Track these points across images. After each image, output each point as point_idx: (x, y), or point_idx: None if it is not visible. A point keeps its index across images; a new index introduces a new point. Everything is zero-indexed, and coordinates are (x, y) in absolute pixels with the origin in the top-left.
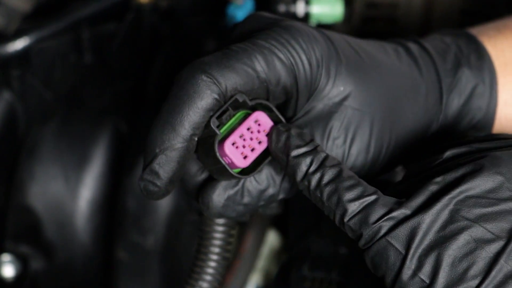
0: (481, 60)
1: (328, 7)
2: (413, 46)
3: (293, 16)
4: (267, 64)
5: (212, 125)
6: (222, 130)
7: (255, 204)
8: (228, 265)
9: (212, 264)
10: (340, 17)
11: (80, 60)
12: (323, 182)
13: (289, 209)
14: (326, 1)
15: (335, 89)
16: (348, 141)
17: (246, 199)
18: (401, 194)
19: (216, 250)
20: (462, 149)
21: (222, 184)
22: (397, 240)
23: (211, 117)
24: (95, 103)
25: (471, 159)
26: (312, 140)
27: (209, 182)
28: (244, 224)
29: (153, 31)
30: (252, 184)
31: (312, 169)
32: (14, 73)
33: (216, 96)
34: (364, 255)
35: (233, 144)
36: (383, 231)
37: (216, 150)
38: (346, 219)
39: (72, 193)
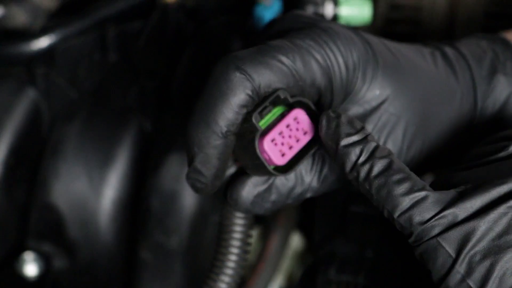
0: None
1: (356, 9)
2: (449, 51)
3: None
4: (304, 64)
5: (254, 121)
6: (261, 125)
7: (283, 202)
8: (252, 267)
9: (233, 257)
10: (368, 19)
11: (105, 58)
12: (373, 174)
13: (315, 211)
14: (355, 3)
15: (370, 92)
16: (381, 144)
17: (274, 197)
18: (454, 186)
19: (237, 243)
20: None
21: (252, 180)
22: (449, 242)
23: (250, 112)
24: (119, 102)
25: None
26: (363, 128)
27: (239, 177)
28: (269, 226)
29: (178, 30)
30: (282, 181)
31: (361, 159)
32: (39, 71)
33: (249, 92)
34: (413, 249)
35: (272, 140)
36: (435, 232)
37: (256, 146)
38: (396, 215)
39: (96, 192)
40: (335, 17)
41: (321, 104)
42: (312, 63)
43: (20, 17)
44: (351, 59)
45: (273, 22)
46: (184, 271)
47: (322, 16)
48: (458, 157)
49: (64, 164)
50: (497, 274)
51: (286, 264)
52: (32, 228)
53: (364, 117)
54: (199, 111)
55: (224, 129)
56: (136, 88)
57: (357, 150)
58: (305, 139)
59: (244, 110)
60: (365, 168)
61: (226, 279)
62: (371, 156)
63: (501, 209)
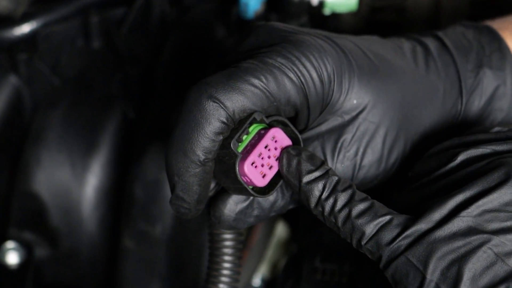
0: (503, 60)
1: None
2: (432, 45)
3: (308, 5)
4: (277, 84)
5: (232, 148)
6: (239, 149)
7: (266, 216)
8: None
9: (227, 265)
10: (354, 7)
11: (88, 45)
12: (337, 208)
13: None
14: None
15: (348, 102)
16: (360, 153)
17: (256, 212)
18: (413, 206)
19: (229, 251)
20: (477, 152)
21: (233, 198)
22: (416, 256)
23: (228, 137)
24: (103, 89)
25: (486, 167)
26: (323, 163)
27: (220, 196)
28: None
29: (162, 17)
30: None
31: (325, 195)
32: (20, 58)
33: (224, 119)
34: (384, 273)
35: (252, 163)
36: (401, 249)
37: (237, 172)
38: (363, 243)
39: (79, 180)
40: (321, 4)
41: (299, 119)
42: (285, 82)
43: (1, 2)
44: (326, 72)
45: (246, 33)
46: (167, 260)
47: (308, 4)
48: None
49: (46, 151)
50: (467, 278)
51: (270, 253)
52: (14, 216)
53: (342, 127)
54: (176, 141)
55: (202, 157)
56: (120, 75)
57: (320, 185)
58: (278, 165)
59: (220, 137)
60: (329, 202)
61: (224, 287)
62: (334, 190)
63: (461, 215)
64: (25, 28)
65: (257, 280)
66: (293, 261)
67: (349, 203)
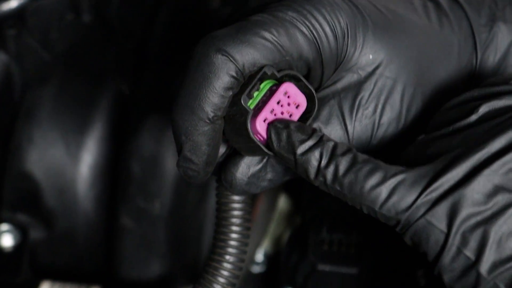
0: None
1: None
2: (443, 0)
3: None
4: (289, 38)
5: (243, 103)
6: (250, 105)
7: (280, 179)
8: None
9: (235, 236)
10: None
11: (79, 19)
12: (340, 174)
13: None
14: None
15: (363, 57)
16: (378, 110)
17: (270, 175)
18: (429, 160)
19: (238, 221)
20: (499, 104)
21: (245, 161)
22: (438, 218)
23: (238, 93)
24: (95, 64)
25: (510, 121)
26: (314, 131)
27: (231, 159)
28: None
29: None
30: (277, 158)
31: (324, 162)
32: (9, 33)
33: (233, 74)
34: (402, 236)
35: (264, 120)
36: (421, 212)
37: (249, 129)
38: (377, 208)
39: (73, 158)
40: None
41: (312, 76)
42: (297, 35)
43: None
44: (339, 26)
45: None
46: (167, 237)
47: None
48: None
49: (38, 129)
50: (493, 240)
51: (272, 227)
52: (7, 198)
53: (359, 84)
54: (183, 98)
55: (211, 114)
56: (113, 49)
57: (316, 154)
58: (298, 113)
59: (230, 93)
60: (330, 169)
61: (231, 259)
62: (333, 156)
63: (485, 174)
64: (13, 3)
65: (259, 256)
66: (297, 234)
67: (353, 166)
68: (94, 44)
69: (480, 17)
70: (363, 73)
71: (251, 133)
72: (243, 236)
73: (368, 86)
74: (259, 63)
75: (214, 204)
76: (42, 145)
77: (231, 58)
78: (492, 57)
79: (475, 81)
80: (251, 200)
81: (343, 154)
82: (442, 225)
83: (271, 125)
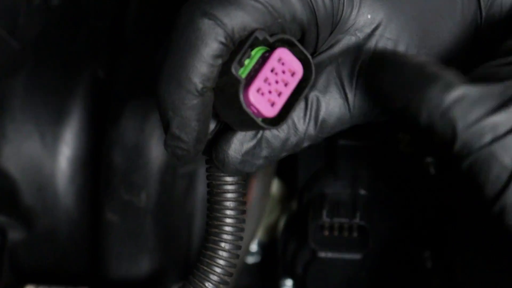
0: None
1: None
2: None
3: None
4: None
5: (234, 72)
6: (242, 74)
7: (276, 156)
8: None
9: (230, 221)
10: None
11: (47, 2)
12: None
13: None
14: None
15: (361, 17)
16: None
17: (266, 151)
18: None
19: (232, 204)
20: None
21: (238, 137)
22: (506, 151)
23: (227, 61)
24: (67, 49)
25: None
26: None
27: (223, 135)
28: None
29: None
30: (272, 134)
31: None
32: None
33: (222, 39)
34: (457, 162)
35: (258, 90)
36: (486, 139)
37: (241, 101)
38: (435, 117)
39: (50, 151)
40: None
41: (306, 40)
42: None
43: None
44: None
45: None
46: (155, 230)
47: None
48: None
49: (11, 123)
50: None
51: (266, 214)
52: None
53: (357, 47)
54: (168, 69)
55: (199, 85)
56: (85, 31)
57: None
58: (294, 81)
59: (220, 61)
60: None
61: (226, 246)
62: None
63: None
64: None
65: (253, 246)
66: (294, 220)
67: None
68: (65, 28)
69: None
70: (361, 35)
71: (243, 105)
72: (238, 220)
73: (368, 49)
74: (250, 26)
75: (203, 192)
76: (16, 140)
77: (219, 22)
78: (497, 14)
79: (480, 41)
80: (244, 182)
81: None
82: (510, 160)
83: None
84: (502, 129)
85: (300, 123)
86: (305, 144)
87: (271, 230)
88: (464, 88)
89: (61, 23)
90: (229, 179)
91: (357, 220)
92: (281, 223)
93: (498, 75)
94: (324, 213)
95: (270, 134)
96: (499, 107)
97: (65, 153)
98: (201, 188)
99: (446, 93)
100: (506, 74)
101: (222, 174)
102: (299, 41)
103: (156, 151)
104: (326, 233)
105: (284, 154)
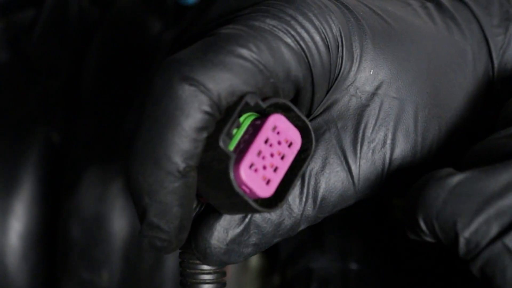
0: None
1: None
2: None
3: None
4: (272, 54)
5: (222, 146)
6: (230, 147)
7: (267, 243)
8: None
9: None
10: None
11: None
12: None
13: None
14: None
15: (362, 74)
16: (388, 141)
17: (255, 238)
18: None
19: None
20: None
21: (222, 223)
22: None
23: (214, 133)
24: (17, 111)
25: None
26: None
27: (204, 220)
28: None
29: (81, 16)
30: (263, 216)
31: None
32: None
33: (207, 109)
34: (467, 265)
35: (250, 166)
36: (493, 232)
37: (232, 180)
38: (433, 216)
39: None
40: None
41: (300, 101)
42: (282, 49)
43: None
44: (331, 34)
45: None
46: None
47: None
48: (479, 131)
49: None
50: None
51: None
52: None
53: (359, 108)
54: (142, 146)
55: (182, 165)
56: (36, 91)
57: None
58: (292, 153)
59: (205, 134)
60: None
61: None
62: None
63: None
64: None
65: None
66: None
67: None
68: (14, 87)
69: (491, 16)
70: (363, 95)
71: (235, 185)
72: None
73: (372, 111)
74: (239, 90)
75: (172, 266)
76: None
77: (202, 88)
78: (510, 63)
79: (494, 94)
80: (224, 272)
81: None
82: None
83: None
84: (509, 215)
85: (296, 203)
86: (302, 226)
87: None
88: (458, 177)
89: (10, 82)
90: (206, 268)
91: None
92: None
93: (503, 151)
94: None
95: (260, 217)
96: (500, 195)
97: (15, 228)
98: (170, 262)
99: (440, 188)
100: (507, 149)
101: (198, 262)
102: (292, 101)
103: (118, 223)
104: None
105: (276, 240)
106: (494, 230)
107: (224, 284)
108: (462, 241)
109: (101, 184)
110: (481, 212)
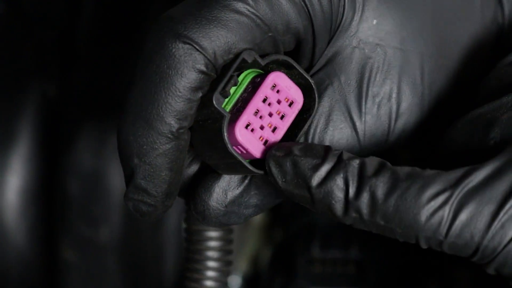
0: None
1: None
2: None
3: None
4: (270, 5)
5: (215, 105)
6: (227, 107)
7: (269, 203)
8: None
9: (212, 274)
10: None
11: None
12: (380, 202)
13: None
14: None
15: (365, 23)
16: (394, 95)
17: (256, 199)
18: (500, 148)
19: (215, 255)
20: None
21: (221, 184)
22: None
23: (208, 92)
24: (12, 65)
25: None
26: (329, 149)
27: (202, 181)
28: None
29: None
30: (264, 177)
31: (352, 191)
32: None
33: (202, 67)
34: (483, 268)
35: (247, 126)
36: (509, 234)
37: (226, 140)
38: (442, 237)
39: None
40: None
41: (301, 53)
42: (280, 0)
43: None
44: None
45: None
46: (119, 268)
47: None
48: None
49: None
50: None
51: (249, 246)
52: None
53: (362, 60)
54: (134, 106)
55: (175, 126)
56: (32, 43)
57: (339, 181)
58: (293, 112)
59: (199, 94)
60: (364, 199)
61: None
62: (363, 179)
63: None
64: None
65: (236, 279)
66: (280, 252)
67: (395, 188)
68: (8, 41)
69: None
70: (366, 46)
71: (228, 145)
72: (222, 274)
73: (376, 63)
74: (236, 47)
75: (174, 221)
76: None
77: (196, 46)
78: None
79: (503, 42)
80: (231, 235)
81: (377, 173)
82: None
83: (269, 154)
84: None
85: None
86: None
87: (254, 261)
88: (461, 189)
89: (5, 35)
90: (212, 234)
91: (352, 253)
92: (265, 254)
93: (490, 138)
94: (315, 245)
95: (261, 177)
96: (505, 201)
97: (13, 185)
98: (172, 218)
99: (444, 206)
100: (504, 133)
101: (202, 228)
102: (292, 53)
103: (117, 179)
104: (318, 268)
105: (279, 200)
106: (509, 235)
107: (231, 241)
108: (480, 248)
109: (98, 139)
110: (494, 220)
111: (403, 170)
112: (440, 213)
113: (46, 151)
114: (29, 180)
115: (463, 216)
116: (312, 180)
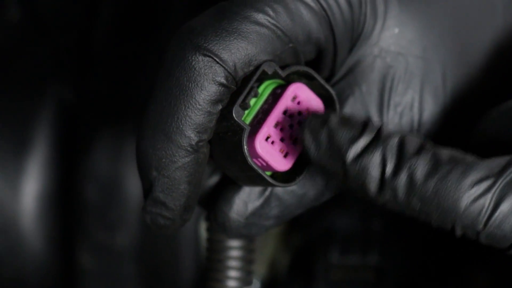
0: None
1: None
2: None
3: None
4: (290, 16)
5: (235, 118)
6: (246, 119)
7: (289, 215)
8: None
9: (234, 284)
10: None
11: (5, 17)
12: (418, 183)
13: None
14: None
15: (386, 32)
16: (415, 104)
17: (276, 211)
18: None
19: (237, 264)
20: None
21: (241, 195)
22: None
23: (228, 105)
24: (29, 69)
25: None
26: (368, 121)
27: (223, 193)
28: None
29: None
30: (284, 188)
31: (389, 169)
32: None
33: (222, 80)
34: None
35: (267, 139)
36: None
37: (246, 153)
38: (480, 227)
39: (13, 188)
40: None
41: (323, 61)
42: (301, 10)
43: None
44: None
45: None
46: (136, 274)
47: None
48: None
49: None
50: None
51: (268, 249)
52: None
53: (383, 69)
54: (153, 118)
55: (194, 139)
56: (49, 48)
57: (376, 157)
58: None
59: (219, 107)
60: (402, 179)
61: None
62: (402, 157)
63: None
64: None
65: (255, 283)
66: (299, 257)
67: (436, 169)
68: (26, 46)
69: None
70: (388, 55)
71: (248, 159)
72: (243, 284)
73: (397, 72)
74: (256, 59)
75: (191, 227)
76: None
77: (216, 59)
78: None
79: None
80: (253, 245)
81: (417, 153)
82: None
83: (304, 123)
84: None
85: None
86: (327, 197)
87: (273, 265)
88: (506, 177)
89: (22, 40)
90: (233, 244)
91: (371, 259)
92: (284, 259)
93: None
94: (335, 251)
95: (282, 189)
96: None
97: (30, 190)
98: (189, 224)
99: (487, 193)
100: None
101: (223, 239)
102: (312, 63)
103: (134, 184)
104: (338, 276)
105: (299, 211)
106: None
107: (253, 250)
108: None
109: (115, 144)
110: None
111: (445, 152)
112: (481, 201)
113: (64, 156)
114: (46, 185)
115: (504, 207)
116: (348, 154)
